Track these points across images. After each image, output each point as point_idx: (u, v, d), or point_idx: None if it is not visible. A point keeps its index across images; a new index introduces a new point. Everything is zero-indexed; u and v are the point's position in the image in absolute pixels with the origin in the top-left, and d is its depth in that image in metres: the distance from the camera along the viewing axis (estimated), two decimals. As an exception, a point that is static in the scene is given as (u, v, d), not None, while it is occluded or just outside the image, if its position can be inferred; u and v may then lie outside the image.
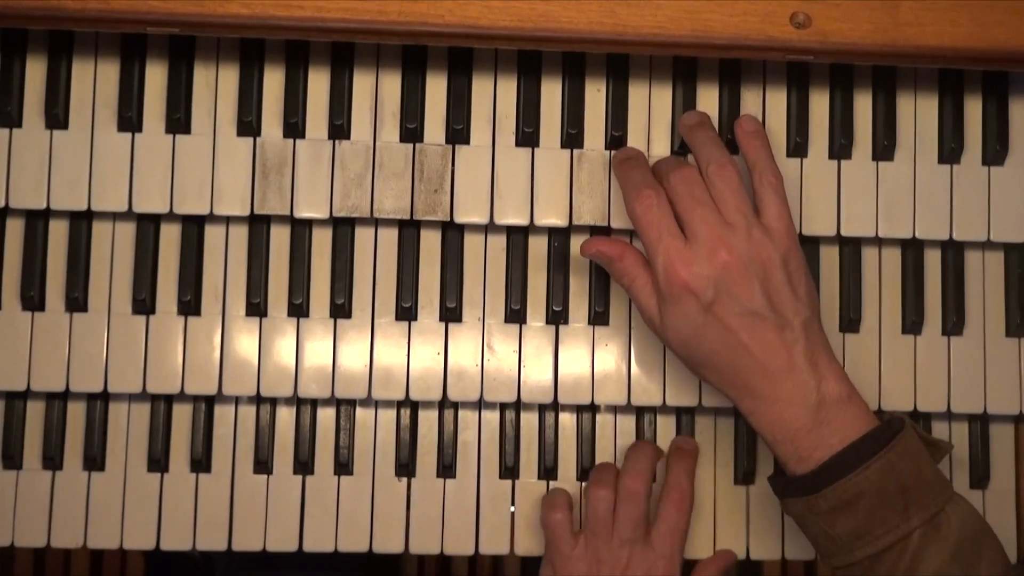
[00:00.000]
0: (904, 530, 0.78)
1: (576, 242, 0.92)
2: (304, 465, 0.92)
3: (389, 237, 0.91)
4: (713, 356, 0.82)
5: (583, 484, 0.93)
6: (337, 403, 0.93)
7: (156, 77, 0.90)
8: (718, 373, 0.83)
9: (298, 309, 0.90)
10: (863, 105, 0.93)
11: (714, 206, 0.83)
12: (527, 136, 0.91)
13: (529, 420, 0.93)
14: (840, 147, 0.92)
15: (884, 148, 0.92)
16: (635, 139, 0.91)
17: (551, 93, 0.92)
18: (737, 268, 0.81)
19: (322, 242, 0.91)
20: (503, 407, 0.93)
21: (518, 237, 0.92)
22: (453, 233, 0.92)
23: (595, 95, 0.92)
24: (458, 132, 0.90)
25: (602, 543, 0.88)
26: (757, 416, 0.82)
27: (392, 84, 0.91)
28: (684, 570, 0.91)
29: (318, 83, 0.90)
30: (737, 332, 0.81)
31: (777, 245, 0.83)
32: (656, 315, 0.84)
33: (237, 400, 0.92)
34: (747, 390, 0.82)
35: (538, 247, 0.92)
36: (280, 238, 0.91)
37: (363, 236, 0.91)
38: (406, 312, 0.91)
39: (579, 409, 0.94)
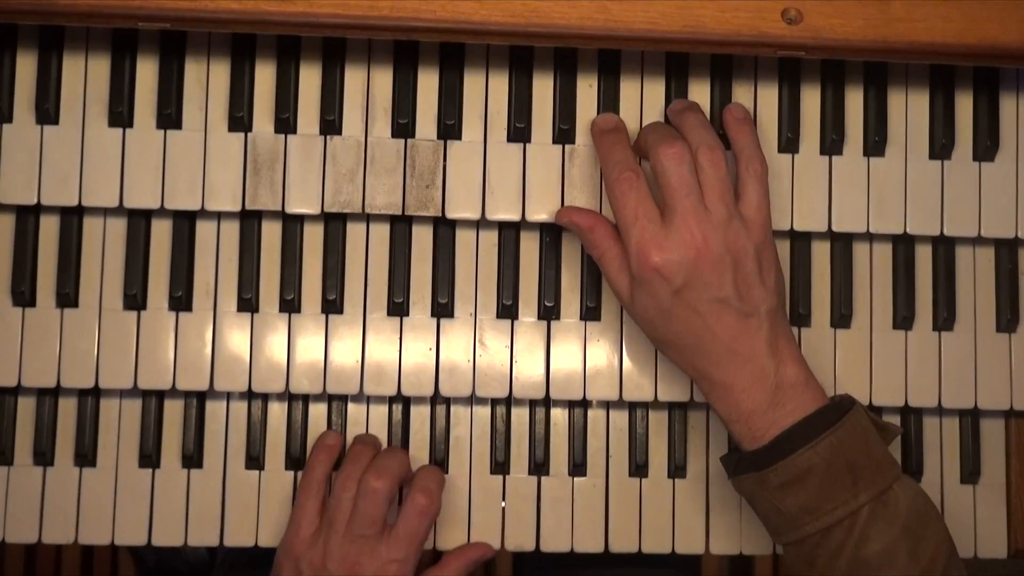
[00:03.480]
0: (852, 506, 0.80)
1: (568, 237, 0.92)
2: (296, 461, 0.92)
3: (381, 233, 0.91)
4: (677, 337, 0.84)
5: (574, 479, 0.93)
6: (329, 399, 0.93)
7: (147, 72, 0.90)
8: (680, 353, 0.85)
9: (290, 305, 0.90)
10: (854, 101, 0.93)
11: (699, 191, 0.83)
12: (519, 132, 0.91)
13: (521, 415, 0.93)
14: (831, 143, 0.92)
15: (875, 144, 0.92)
16: (627, 135, 0.91)
17: (543, 89, 0.92)
18: (710, 257, 0.82)
19: (314, 238, 0.91)
20: (494, 402, 0.93)
21: (510, 233, 0.92)
22: (445, 229, 0.92)
23: (587, 91, 0.92)
24: (450, 128, 0.90)
25: (335, 536, 0.87)
26: (715, 396, 0.84)
27: (384, 80, 0.91)
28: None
29: (310, 79, 0.90)
30: (704, 317, 0.82)
31: (753, 236, 0.84)
32: (626, 291, 0.85)
33: (229, 396, 0.92)
34: (706, 372, 0.84)
35: (530, 243, 0.92)
36: (272, 234, 0.91)
37: (355, 232, 0.91)
38: (398, 308, 0.91)
39: (571, 405, 0.94)
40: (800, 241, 0.94)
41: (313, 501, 0.89)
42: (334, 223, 0.91)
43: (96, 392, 0.91)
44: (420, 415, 0.93)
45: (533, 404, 0.94)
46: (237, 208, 0.89)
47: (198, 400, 0.92)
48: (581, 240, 0.89)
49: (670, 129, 0.87)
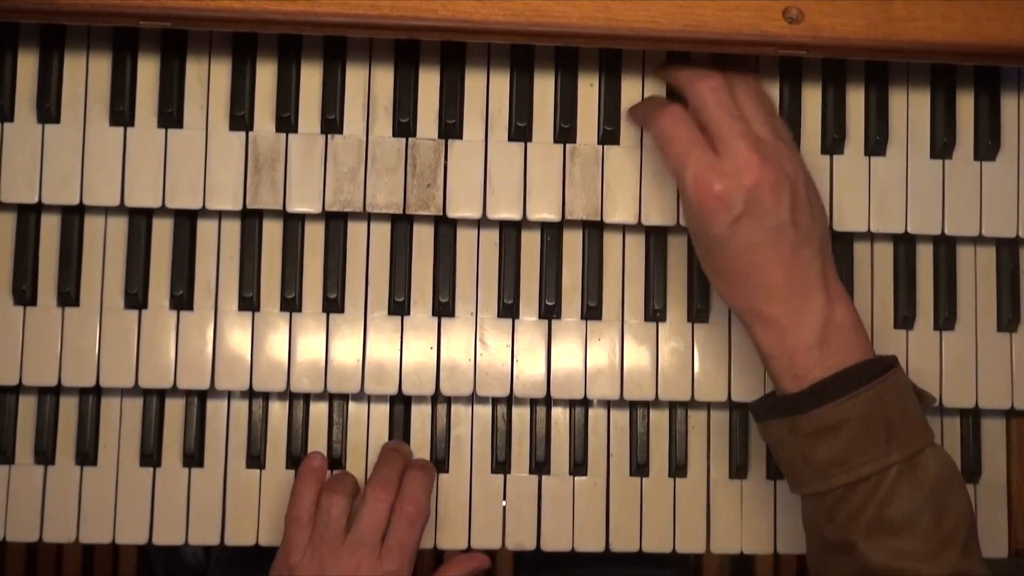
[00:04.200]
0: (883, 463, 0.79)
1: (569, 236, 0.92)
2: (297, 460, 0.92)
3: (382, 232, 0.91)
4: (731, 265, 0.82)
5: (575, 479, 0.93)
6: (330, 398, 0.93)
7: (148, 71, 0.90)
8: (731, 283, 0.83)
9: (291, 304, 0.90)
10: (855, 100, 0.93)
11: (744, 118, 0.82)
12: (520, 131, 0.91)
13: (521, 415, 0.93)
14: (832, 142, 0.92)
15: (876, 143, 0.92)
16: (628, 133, 0.91)
17: (544, 88, 0.92)
18: (768, 181, 0.80)
19: (315, 237, 0.91)
20: (495, 402, 0.93)
21: (511, 232, 0.92)
22: (446, 228, 0.92)
23: (588, 90, 0.92)
24: (451, 127, 0.90)
25: (329, 550, 0.87)
26: (759, 329, 0.82)
27: (385, 78, 0.91)
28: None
29: (311, 77, 0.90)
30: (759, 246, 0.81)
31: (799, 159, 0.83)
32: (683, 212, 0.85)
33: (230, 395, 0.92)
34: (756, 304, 0.82)
35: (531, 242, 0.92)
36: (273, 233, 0.91)
37: (356, 231, 0.91)
38: (399, 307, 0.91)
39: (571, 404, 0.94)
40: (801, 240, 0.93)
41: (303, 531, 0.88)
42: (335, 222, 0.91)
43: (97, 391, 0.91)
44: (421, 414, 0.93)
45: (534, 403, 0.94)
46: (238, 207, 0.89)
47: (199, 399, 0.92)
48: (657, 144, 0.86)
49: (704, 68, 0.86)
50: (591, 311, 0.92)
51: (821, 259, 0.82)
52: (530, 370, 0.91)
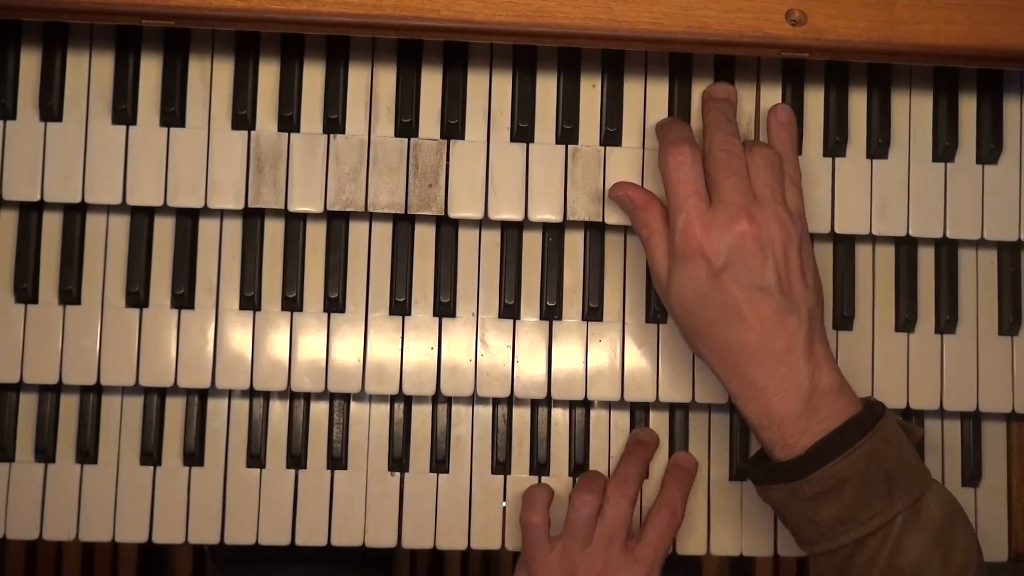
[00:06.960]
0: (888, 515, 0.79)
1: (570, 238, 0.92)
2: (297, 459, 0.92)
3: (383, 231, 0.91)
4: (712, 326, 0.82)
5: (575, 479, 0.93)
6: (330, 397, 0.93)
7: (151, 70, 0.90)
8: (713, 347, 0.83)
9: (292, 303, 0.90)
10: (858, 103, 0.93)
11: (747, 176, 0.83)
12: (522, 131, 0.91)
13: (522, 415, 0.93)
14: (835, 144, 0.92)
15: (879, 146, 0.92)
16: (630, 135, 0.91)
17: (546, 89, 0.92)
18: (754, 241, 0.81)
19: (316, 236, 0.91)
20: (496, 402, 0.93)
21: (512, 232, 0.92)
22: (447, 228, 0.92)
23: (590, 91, 0.92)
24: (453, 127, 0.90)
25: (579, 548, 0.88)
26: (745, 399, 0.82)
27: (387, 78, 0.91)
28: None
29: (313, 77, 0.90)
30: (741, 305, 0.80)
31: (796, 229, 0.83)
32: (664, 274, 0.84)
33: (230, 394, 0.92)
34: (739, 370, 0.81)
35: (532, 242, 0.92)
36: (274, 232, 0.91)
37: (357, 230, 0.91)
38: (400, 307, 0.91)
39: (572, 405, 0.94)
40: (803, 243, 0.93)
41: (544, 520, 0.90)
42: (337, 222, 0.91)
43: (98, 389, 0.91)
44: (422, 414, 0.93)
45: (535, 404, 0.94)
46: (240, 206, 0.89)
47: (200, 398, 0.92)
48: (631, 217, 0.88)
49: (730, 124, 0.87)
50: (592, 312, 0.92)
51: (807, 329, 0.81)
52: (531, 371, 0.91)
